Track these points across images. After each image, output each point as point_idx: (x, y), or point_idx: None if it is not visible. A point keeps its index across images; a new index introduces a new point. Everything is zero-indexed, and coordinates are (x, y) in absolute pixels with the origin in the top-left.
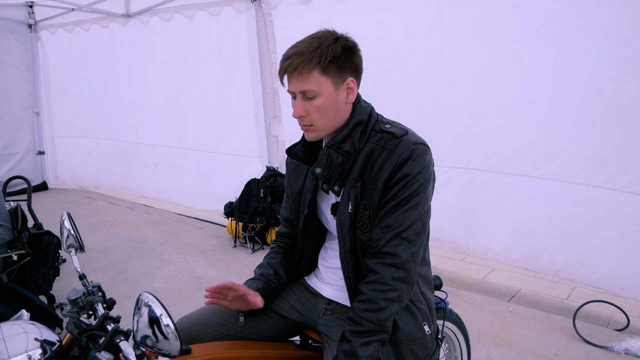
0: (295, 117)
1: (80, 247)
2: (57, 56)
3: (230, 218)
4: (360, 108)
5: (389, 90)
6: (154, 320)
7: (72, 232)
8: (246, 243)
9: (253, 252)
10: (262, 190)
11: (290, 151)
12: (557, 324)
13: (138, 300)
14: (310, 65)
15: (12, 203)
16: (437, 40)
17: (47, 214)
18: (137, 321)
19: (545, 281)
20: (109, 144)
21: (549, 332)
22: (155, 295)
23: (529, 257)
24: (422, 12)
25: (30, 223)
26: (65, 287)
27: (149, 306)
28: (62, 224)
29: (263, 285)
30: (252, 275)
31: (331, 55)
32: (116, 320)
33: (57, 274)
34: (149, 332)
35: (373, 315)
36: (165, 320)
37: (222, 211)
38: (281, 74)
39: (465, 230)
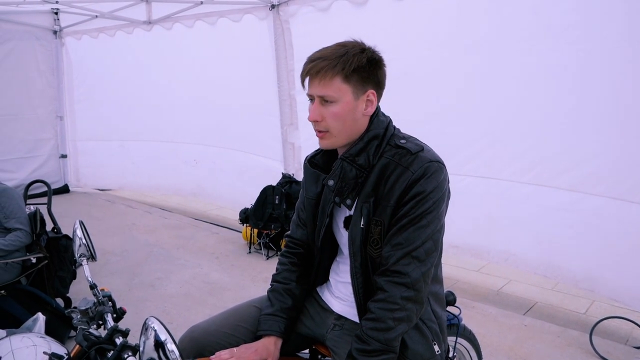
0: (310, 121)
1: (92, 256)
2: (82, 61)
3: (245, 224)
4: (378, 121)
5: (407, 98)
6: (159, 345)
7: (84, 241)
8: (261, 249)
9: (267, 258)
10: (277, 197)
11: (311, 161)
12: (574, 340)
13: (145, 323)
14: (333, 71)
15: (31, 207)
16: (456, 48)
17: (67, 217)
18: (144, 343)
19: (562, 294)
20: (136, 144)
21: (565, 347)
22: (160, 320)
23: (550, 265)
24: (441, 20)
25: (49, 226)
26: (81, 290)
27: (155, 330)
28: (74, 232)
29: (285, 326)
30: (265, 281)
31: (356, 64)
32: (125, 333)
33: (74, 277)
34: (154, 355)
35: (381, 335)
36: (170, 346)
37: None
38: (303, 75)
39: (485, 236)
